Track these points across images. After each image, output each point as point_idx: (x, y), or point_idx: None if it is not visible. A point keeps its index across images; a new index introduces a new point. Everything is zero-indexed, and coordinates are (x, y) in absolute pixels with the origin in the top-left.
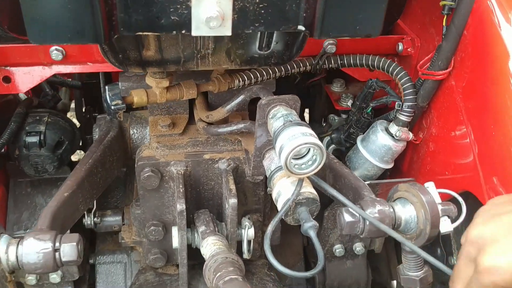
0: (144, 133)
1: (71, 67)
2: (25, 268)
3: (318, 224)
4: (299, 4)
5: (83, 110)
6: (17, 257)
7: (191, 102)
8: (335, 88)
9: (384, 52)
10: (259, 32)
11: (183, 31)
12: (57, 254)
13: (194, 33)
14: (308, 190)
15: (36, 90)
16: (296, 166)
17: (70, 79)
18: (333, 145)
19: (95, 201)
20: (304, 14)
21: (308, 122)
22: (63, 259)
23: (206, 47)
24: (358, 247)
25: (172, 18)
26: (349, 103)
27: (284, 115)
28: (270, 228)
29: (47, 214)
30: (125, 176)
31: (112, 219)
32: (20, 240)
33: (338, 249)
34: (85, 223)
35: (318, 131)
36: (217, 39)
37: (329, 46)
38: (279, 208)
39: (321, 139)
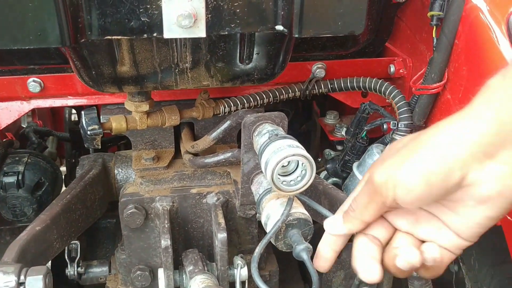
0: (129, 172)
1: (50, 101)
2: None
3: (311, 247)
4: (276, 2)
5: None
6: None
7: (177, 135)
8: (328, 120)
9: (376, 75)
10: (238, 41)
11: (155, 34)
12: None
13: (166, 35)
14: (300, 210)
15: (22, 139)
16: (284, 183)
17: (60, 132)
18: (330, 178)
19: (79, 250)
20: (282, 12)
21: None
22: None
23: (183, 60)
24: None
25: (143, 19)
26: (343, 132)
27: (269, 130)
28: (257, 250)
29: (15, 247)
30: (114, 227)
31: (98, 270)
32: None
33: None
34: (68, 273)
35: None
36: (194, 50)
37: (318, 70)
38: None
39: (317, 174)
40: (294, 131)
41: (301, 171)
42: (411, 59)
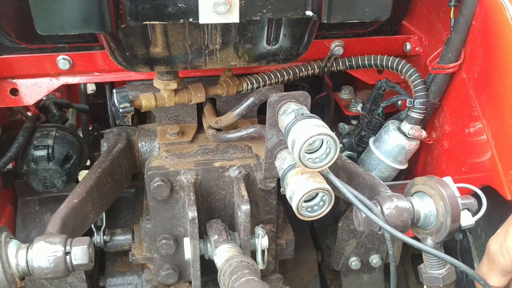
0: (152, 145)
1: (78, 78)
2: (36, 273)
3: None
4: None
5: (90, 128)
6: (27, 261)
7: (200, 111)
8: (343, 95)
9: (392, 53)
10: (266, 25)
11: (191, 19)
12: (68, 257)
13: (201, 20)
14: (323, 185)
15: (44, 111)
16: (310, 160)
17: (78, 104)
18: (345, 152)
19: (104, 219)
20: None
21: None
22: (74, 263)
23: (213, 41)
24: (375, 259)
25: (179, 5)
26: (359, 107)
27: (294, 110)
28: None
29: (57, 219)
30: (134, 197)
31: (122, 238)
32: (29, 244)
33: (354, 261)
34: (95, 241)
35: None
36: (224, 32)
37: (336, 48)
38: (293, 206)
39: None
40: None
41: (326, 149)
42: (427, 38)
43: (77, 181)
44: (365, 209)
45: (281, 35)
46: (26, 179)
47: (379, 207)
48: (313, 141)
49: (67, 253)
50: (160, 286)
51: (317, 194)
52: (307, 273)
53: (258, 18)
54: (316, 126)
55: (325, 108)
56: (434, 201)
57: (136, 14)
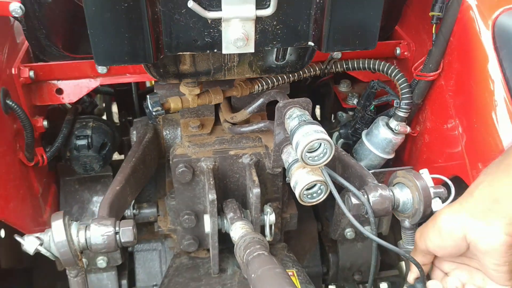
0: (175, 133)
1: (113, 78)
2: (93, 248)
3: None
4: (308, 25)
5: (118, 115)
6: (86, 239)
7: (217, 105)
8: (342, 88)
9: (385, 55)
10: (276, 48)
11: (215, 50)
12: (117, 236)
13: (224, 51)
14: (319, 178)
15: None
16: (310, 158)
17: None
18: (341, 140)
19: None
20: (313, 33)
21: (319, 118)
22: (122, 240)
23: (232, 60)
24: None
25: (206, 40)
26: (355, 101)
27: (298, 115)
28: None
29: (105, 204)
30: (155, 173)
31: (148, 211)
32: (87, 225)
33: (349, 232)
34: (126, 214)
35: (328, 127)
36: (242, 55)
37: (336, 52)
38: (296, 194)
39: (331, 134)
40: (311, 90)
41: (323, 149)
42: (414, 44)
43: (110, 164)
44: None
45: (288, 54)
46: (69, 163)
47: (366, 196)
48: (313, 144)
49: (116, 233)
50: (182, 252)
51: (315, 184)
52: (308, 241)
53: (270, 48)
54: (316, 132)
55: (326, 97)
56: (411, 191)
57: (171, 48)
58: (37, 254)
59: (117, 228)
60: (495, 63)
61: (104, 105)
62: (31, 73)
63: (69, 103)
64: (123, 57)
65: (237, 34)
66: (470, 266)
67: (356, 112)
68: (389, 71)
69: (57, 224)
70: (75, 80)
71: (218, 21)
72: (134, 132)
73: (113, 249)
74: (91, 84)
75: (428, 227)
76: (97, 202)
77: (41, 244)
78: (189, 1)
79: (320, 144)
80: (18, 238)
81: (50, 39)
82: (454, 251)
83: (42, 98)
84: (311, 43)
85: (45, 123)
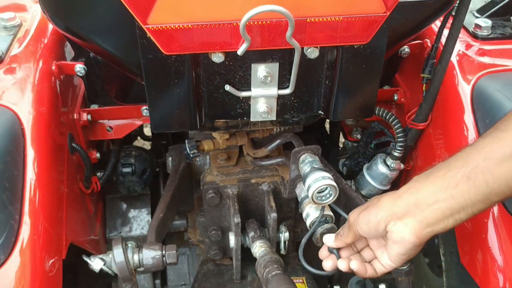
0: (205, 161)
1: None
2: (144, 268)
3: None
4: (319, 99)
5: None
6: (139, 260)
7: None
8: (348, 122)
9: (385, 99)
10: None
11: (245, 118)
12: (164, 258)
13: (252, 119)
14: (328, 212)
15: None
16: (318, 198)
17: None
18: (345, 168)
19: None
20: (323, 105)
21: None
22: (168, 261)
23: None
24: None
25: (238, 111)
26: (358, 136)
27: (310, 161)
28: (303, 241)
29: (152, 230)
30: None
31: (179, 222)
32: (139, 249)
33: None
34: None
35: (335, 153)
36: None
37: None
38: (307, 225)
39: (338, 160)
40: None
41: (329, 191)
42: (409, 92)
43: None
44: None
45: None
46: (115, 186)
47: None
48: (322, 188)
49: (163, 256)
50: (208, 260)
51: (327, 188)
52: (317, 249)
53: (288, 116)
54: (324, 178)
55: (334, 128)
56: None
57: (211, 117)
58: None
59: (163, 252)
60: (471, 120)
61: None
62: (89, 116)
63: (117, 138)
64: (174, 125)
65: (262, 108)
66: (380, 242)
67: (359, 147)
68: (387, 117)
69: (117, 249)
70: (123, 120)
71: (248, 98)
72: (170, 158)
73: (160, 268)
74: (136, 123)
75: (360, 216)
76: (137, 217)
77: (104, 264)
78: (226, 85)
79: (327, 187)
80: (86, 259)
81: (105, 91)
82: (375, 236)
83: (95, 134)
84: (321, 112)
85: (98, 155)
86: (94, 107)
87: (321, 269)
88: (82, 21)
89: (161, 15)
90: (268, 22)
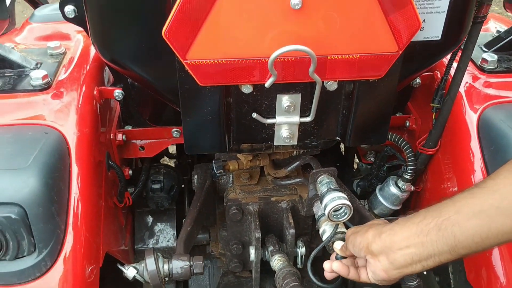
0: (228, 179)
1: (181, 139)
2: (174, 277)
3: None
4: (337, 126)
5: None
6: (169, 270)
7: None
8: (362, 145)
9: (397, 125)
10: None
11: (269, 143)
12: (191, 268)
13: (275, 144)
14: (342, 229)
15: None
16: (334, 216)
17: None
18: (359, 188)
19: None
20: (340, 132)
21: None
22: (195, 271)
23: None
24: None
25: (263, 136)
26: (372, 159)
27: (327, 182)
28: (314, 252)
29: (181, 243)
30: None
31: (201, 236)
32: (169, 259)
33: None
34: None
35: (350, 174)
36: None
37: None
38: (323, 239)
39: (352, 181)
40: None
41: (344, 210)
42: (420, 119)
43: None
44: None
45: None
46: (145, 201)
47: None
48: (337, 207)
49: (191, 266)
50: (229, 272)
51: (342, 207)
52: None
53: (308, 141)
54: (339, 198)
55: (349, 151)
56: None
57: (238, 141)
58: None
59: (191, 262)
60: (477, 147)
61: None
62: (124, 137)
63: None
64: (205, 148)
65: (285, 134)
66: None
67: (373, 169)
68: (399, 142)
69: (150, 259)
70: (154, 140)
71: (272, 125)
72: (196, 176)
73: (188, 277)
74: (166, 142)
75: (350, 237)
76: (163, 230)
77: (137, 272)
78: (253, 113)
79: (342, 206)
80: (121, 267)
81: (140, 113)
82: (358, 256)
83: (129, 153)
84: (338, 138)
85: (130, 172)
86: (128, 127)
87: (325, 281)
88: (126, 53)
89: (199, 52)
90: (293, 59)
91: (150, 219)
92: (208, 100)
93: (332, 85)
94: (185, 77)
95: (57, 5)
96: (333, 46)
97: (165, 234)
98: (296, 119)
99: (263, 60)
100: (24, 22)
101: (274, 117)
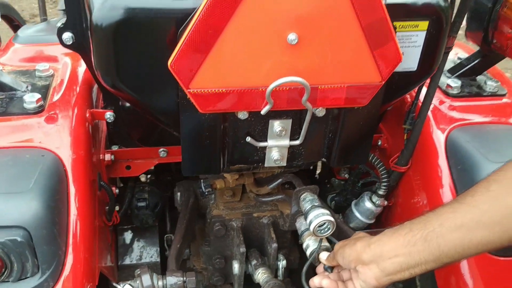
0: (210, 196)
1: (167, 159)
2: None
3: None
4: (323, 149)
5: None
6: (163, 286)
7: None
8: None
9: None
10: None
11: (260, 164)
12: (184, 284)
13: (266, 165)
14: (325, 243)
15: None
16: (318, 231)
17: None
18: (334, 202)
19: None
20: (325, 153)
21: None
22: (188, 286)
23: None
24: None
25: (255, 158)
26: (346, 175)
27: (310, 199)
28: (305, 268)
29: (172, 259)
30: None
31: None
32: (162, 276)
33: None
34: (166, 254)
35: (324, 190)
36: None
37: None
38: (307, 254)
39: (326, 196)
40: None
41: (327, 225)
42: (391, 138)
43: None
44: None
45: None
46: (130, 218)
47: None
48: (321, 223)
49: (184, 282)
50: (210, 285)
51: (325, 223)
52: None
53: (295, 163)
54: (323, 214)
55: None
56: None
57: (231, 163)
58: None
59: (184, 278)
60: (445, 165)
61: None
62: (112, 157)
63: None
64: (202, 170)
65: (276, 156)
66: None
67: (347, 186)
68: (373, 160)
69: (145, 275)
70: (141, 159)
71: (264, 148)
72: (178, 193)
73: None
74: (152, 162)
75: (339, 250)
76: (146, 245)
77: None
78: (247, 137)
79: (326, 222)
80: (116, 285)
81: (130, 135)
82: (348, 268)
83: (116, 172)
84: (323, 159)
85: (117, 191)
86: (115, 147)
87: None
88: (130, 81)
89: (201, 82)
90: (287, 88)
91: (133, 236)
92: (207, 126)
93: (321, 112)
94: (187, 105)
95: (40, 26)
96: (324, 77)
97: (148, 250)
98: (286, 142)
99: (260, 89)
100: (8, 42)
101: (266, 141)
